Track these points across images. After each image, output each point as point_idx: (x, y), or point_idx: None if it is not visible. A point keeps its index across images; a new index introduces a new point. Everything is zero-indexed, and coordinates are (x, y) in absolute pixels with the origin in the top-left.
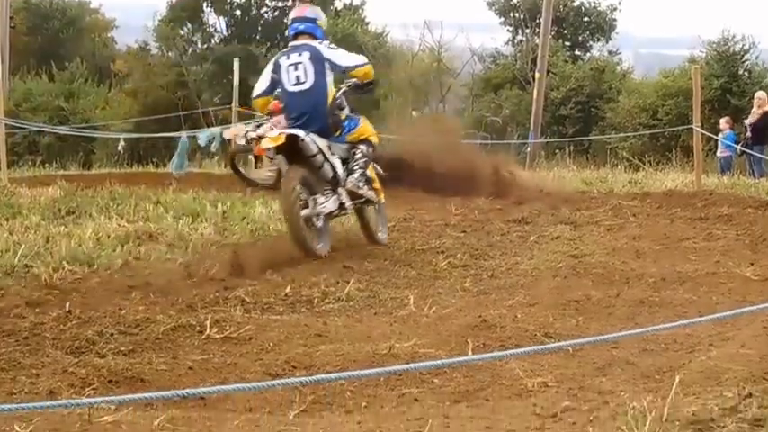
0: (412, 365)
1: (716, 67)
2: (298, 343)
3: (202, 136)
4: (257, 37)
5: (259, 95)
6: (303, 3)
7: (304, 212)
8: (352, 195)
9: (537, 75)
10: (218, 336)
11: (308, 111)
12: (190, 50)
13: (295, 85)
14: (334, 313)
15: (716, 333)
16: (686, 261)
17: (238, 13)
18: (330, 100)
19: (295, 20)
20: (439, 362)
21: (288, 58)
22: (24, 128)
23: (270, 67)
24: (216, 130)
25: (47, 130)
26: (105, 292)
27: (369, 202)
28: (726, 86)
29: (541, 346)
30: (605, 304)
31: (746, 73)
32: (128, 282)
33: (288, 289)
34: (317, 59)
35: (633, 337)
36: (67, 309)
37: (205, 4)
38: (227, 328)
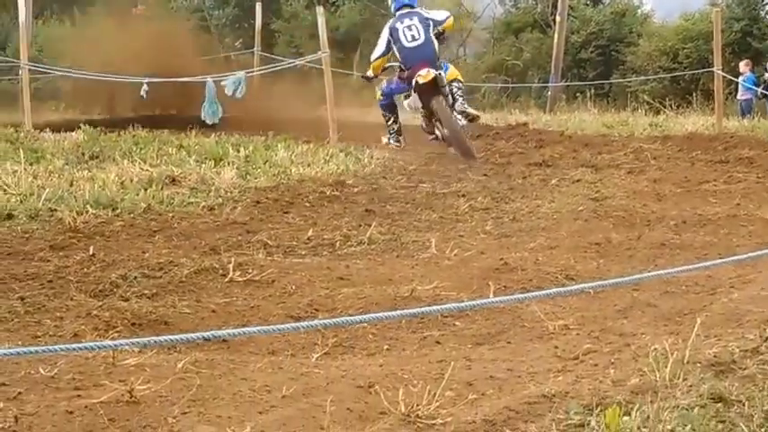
0: (434, 308)
1: (736, 10)
2: (320, 286)
3: (228, 82)
4: None
5: (379, 57)
6: None
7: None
8: (463, 115)
9: (557, 18)
10: (240, 279)
11: (425, 59)
12: None
13: (411, 41)
14: (356, 256)
15: (736, 275)
16: (707, 204)
17: None
18: (437, 49)
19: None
20: (460, 304)
21: (402, 22)
22: (48, 73)
23: (386, 33)
24: (241, 74)
25: (71, 75)
26: (129, 235)
27: (475, 118)
28: (746, 29)
29: (563, 289)
30: (626, 247)
31: (767, 16)
32: (151, 225)
33: (310, 232)
34: (424, 21)
35: (654, 280)
36: (91, 252)
37: None
38: (250, 271)
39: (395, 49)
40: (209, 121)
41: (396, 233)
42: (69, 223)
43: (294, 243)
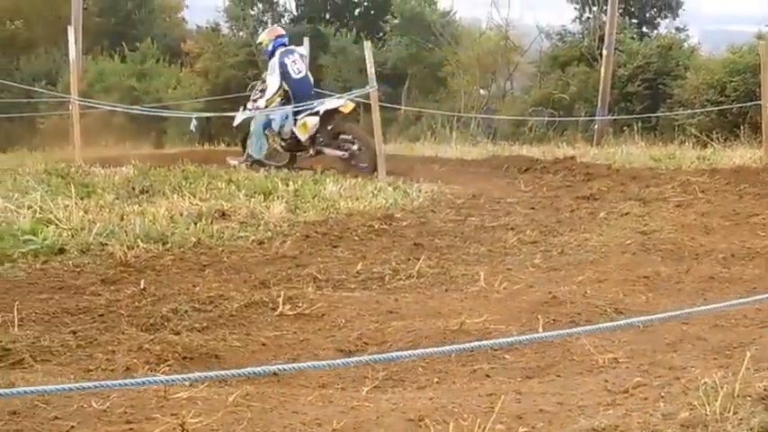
0: (483, 343)
1: None
2: (369, 320)
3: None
4: (326, 16)
5: (277, 90)
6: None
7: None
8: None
9: (604, 52)
10: (290, 312)
11: (309, 90)
12: (260, 29)
13: (298, 74)
14: (406, 290)
15: None
16: (755, 237)
17: None
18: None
19: (279, 36)
20: (510, 338)
21: (288, 57)
22: (98, 108)
23: (278, 67)
24: (288, 109)
25: (119, 109)
26: (179, 269)
27: None
28: None
29: (612, 323)
30: (675, 280)
31: None
32: (201, 259)
33: (359, 266)
34: (301, 56)
35: (703, 313)
36: (142, 286)
37: None
38: (300, 304)
39: (283, 82)
40: (255, 156)
41: (444, 267)
42: (120, 257)
43: (343, 277)
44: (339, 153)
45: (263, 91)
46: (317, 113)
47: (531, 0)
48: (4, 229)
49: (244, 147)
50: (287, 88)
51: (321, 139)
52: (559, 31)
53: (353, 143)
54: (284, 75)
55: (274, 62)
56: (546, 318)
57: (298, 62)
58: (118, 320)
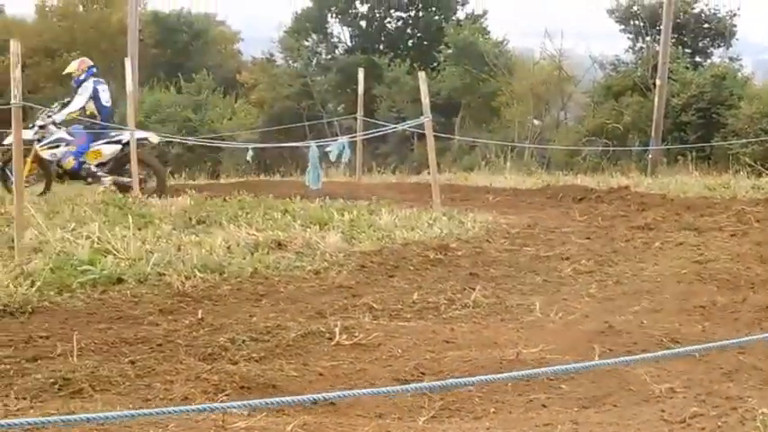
0: (540, 370)
1: None
2: (426, 349)
3: (333, 148)
4: (381, 47)
5: (78, 109)
6: (83, 57)
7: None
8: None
9: (658, 82)
10: (347, 342)
11: (111, 120)
12: (314, 61)
13: (107, 102)
14: (461, 320)
15: None
16: None
17: (363, 23)
18: None
19: (91, 66)
20: (566, 366)
21: (101, 86)
22: None
23: (90, 91)
24: (344, 139)
25: (175, 140)
26: (236, 299)
27: None
28: None
29: (668, 351)
30: (731, 310)
31: None
32: (258, 289)
33: (415, 296)
34: (107, 86)
35: (760, 342)
36: (200, 316)
37: (330, 15)
38: (356, 334)
39: (93, 105)
40: (313, 187)
41: (500, 296)
42: (178, 287)
43: (399, 306)
44: (125, 180)
45: (64, 105)
46: (117, 142)
47: (584, 30)
48: (63, 260)
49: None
50: (96, 112)
51: (110, 167)
52: (613, 61)
53: (146, 170)
54: (96, 99)
55: (87, 85)
56: (602, 347)
57: (107, 92)
58: (176, 350)
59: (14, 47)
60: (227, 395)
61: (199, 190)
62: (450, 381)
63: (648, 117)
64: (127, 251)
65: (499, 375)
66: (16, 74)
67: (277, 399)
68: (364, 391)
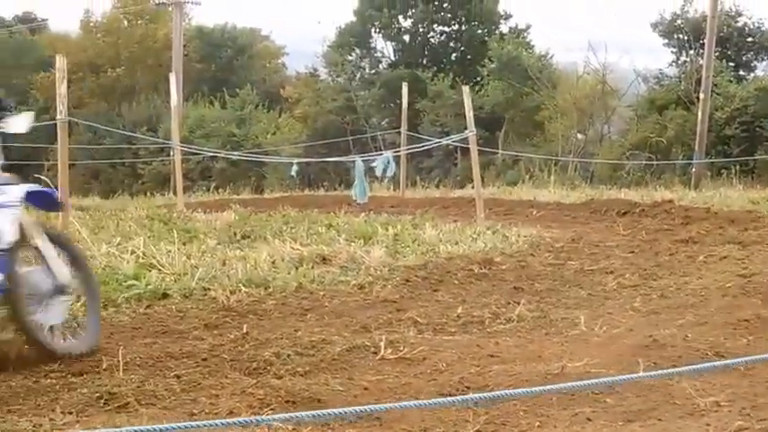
0: (585, 382)
1: None
2: (470, 363)
3: (378, 164)
4: (424, 61)
5: None
6: None
7: None
8: None
9: (701, 95)
10: (392, 356)
11: None
12: (358, 75)
13: None
14: (506, 334)
15: None
16: None
17: (406, 38)
18: None
19: None
20: (611, 379)
21: None
22: (198, 154)
23: None
24: (388, 154)
25: (220, 155)
26: (281, 314)
27: None
28: None
29: (713, 364)
30: None
31: None
32: (303, 304)
33: (459, 310)
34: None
35: None
36: (245, 331)
37: (373, 30)
38: (401, 348)
39: None
40: (359, 201)
41: (544, 310)
42: (223, 302)
43: (444, 320)
44: None
45: None
46: None
47: (627, 44)
48: (108, 274)
49: None
50: None
51: None
52: (656, 75)
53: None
54: None
55: None
56: (647, 361)
57: None
58: (221, 365)
59: (60, 62)
60: (272, 409)
61: (243, 204)
62: (496, 393)
63: (692, 131)
64: (172, 266)
65: (544, 388)
66: (62, 89)
67: (322, 411)
68: (409, 403)
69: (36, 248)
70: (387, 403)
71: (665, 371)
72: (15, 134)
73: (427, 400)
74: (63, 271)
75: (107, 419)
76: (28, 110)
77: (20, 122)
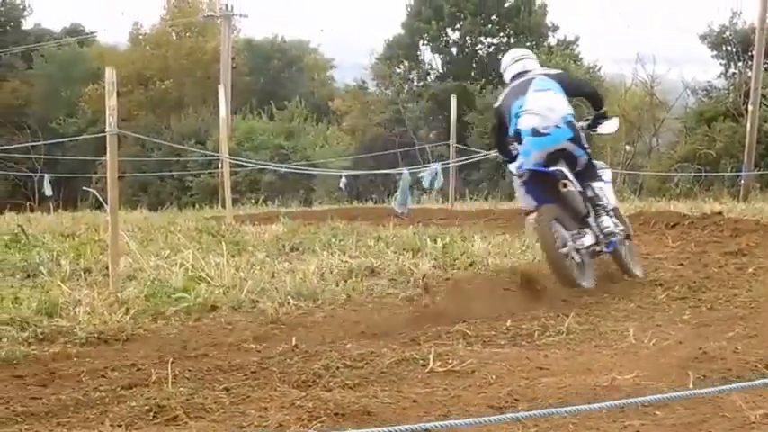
0: (635, 399)
1: None
2: (519, 376)
3: (426, 176)
4: (472, 74)
5: None
6: None
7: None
8: None
9: (750, 107)
10: (441, 369)
11: None
12: (406, 88)
13: None
14: (555, 346)
15: None
16: None
17: (454, 50)
18: None
19: None
20: (661, 395)
21: None
22: (247, 166)
23: None
24: (437, 166)
25: (269, 168)
26: (330, 326)
27: None
28: None
29: (764, 379)
30: None
31: None
32: (352, 316)
33: (508, 323)
34: None
35: None
36: (294, 343)
37: (421, 43)
38: (450, 361)
39: None
40: (398, 210)
41: (594, 323)
42: (271, 314)
43: (493, 333)
44: None
45: None
46: None
47: (676, 56)
48: (158, 287)
49: None
50: None
51: None
52: (705, 87)
53: None
54: None
55: None
56: (696, 374)
57: None
58: (270, 377)
59: (110, 75)
60: (321, 422)
61: (292, 217)
62: (545, 410)
63: (741, 143)
64: (221, 278)
65: (593, 405)
66: (111, 102)
67: (373, 429)
68: (458, 421)
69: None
70: (436, 416)
71: (716, 388)
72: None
73: (477, 418)
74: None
75: None
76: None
77: (610, 125)
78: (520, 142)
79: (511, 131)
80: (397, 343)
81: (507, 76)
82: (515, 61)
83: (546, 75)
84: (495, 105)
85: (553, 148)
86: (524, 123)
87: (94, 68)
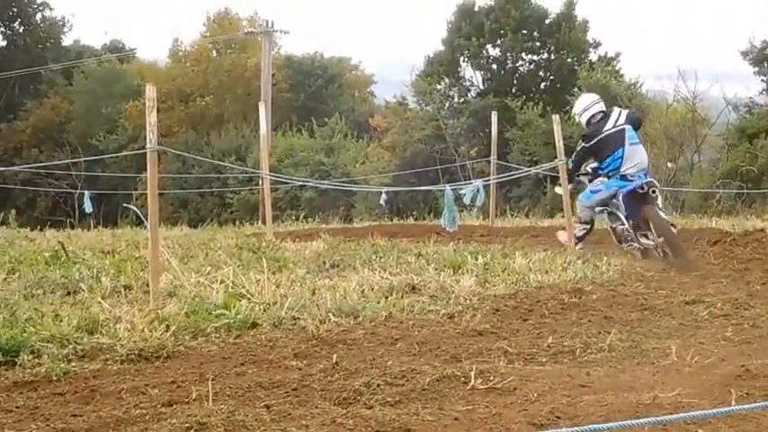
0: (677, 416)
1: None
2: (561, 393)
3: (467, 191)
4: (513, 90)
5: None
6: None
7: None
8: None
9: None
10: (482, 386)
11: None
12: (447, 104)
13: None
14: (597, 363)
15: None
16: None
17: (494, 67)
18: None
19: None
20: (704, 412)
21: None
22: (287, 183)
23: None
24: (478, 183)
25: (309, 184)
26: (371, 343)
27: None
28: None
29: None
30: None
31: None
32: (392, 333)
33: (550, 339)
34: None
35: None
36: (334, 360)
37: (462, 59)
38: (492, 378)
39: None
40: (449, 229)
41: (635, 340)
42: (312, 331)
43: (534, 350)
44: None
45: None
46: None
47: (718, 72)
48: (198, 304)
49: None
50: None
51: None
52: (747, 103)
53: None
54: None
55: None
56: (739, 391)
57: None
58: (311, 394)
59: (150, 91)
60: None
61: (332, 234)
62: (587, 427)
63: None
64: (261, 295)
65: (636, 422)
66: (152, 118)
67: None
68: None
69: None
70: None
71: (759, 404)
72: None
73: None
74: None
75: None
76: None
77: None
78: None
79: (602, 165)
80: (439, 360)
81: (587, 115)
82: (595, 103)
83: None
84: (594, 134)
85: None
86: (624, 168)
87: (134, 85)
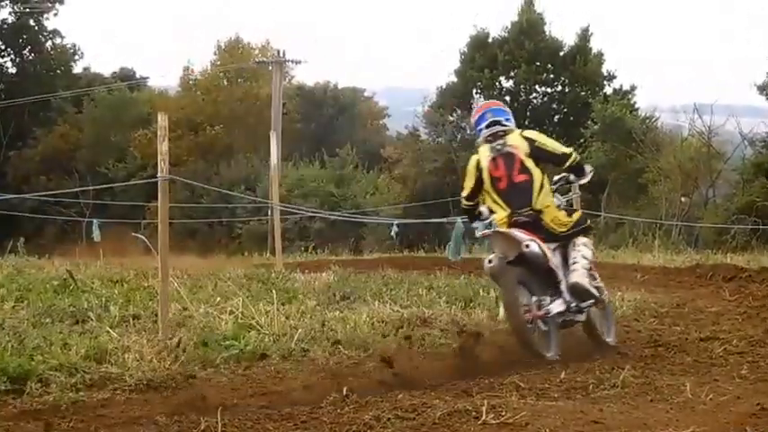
0: None
1: None
2: (574, 429)
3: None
4: (526, 122)
5: None
6: None
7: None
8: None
9: None
10: (493, 421)
11: None
12: (459, 136)
13: None
14: (610, 400)
15: None
16: None
17: (508, 98)
18: None
19: None
20: None
21: None
22: (297, 213)
23: None
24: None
25: (319, 215)
26: (381, 376)
27: None
28: None
29: None
30: None
31: None
32: (403, 366)
33: (562, 375)
34: None
35: None
36: (344, 393)
37: (474, 91)
38: (503, 413)
39: None
40: (451, 258)
41: (649, 377)
42: (322, 363)
43: (546, 385)
44: None
45: None
46: None
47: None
48: (207, 335)
49: None
50: None
51: None
52: (763, 138)
53: None
54: None
55: None
56: (754, 430)
57: None
58: (321, 427)
59: (162, 120)
60: None
61: (342, 265)
62: None
63: None
64: (271, 326)
65: None
66: (164, 148)
67: None
68: None
69: None
70: None
71: None
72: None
73: None
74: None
75: None
76: None
77: None
78: None
79: None
80: (450, 394)
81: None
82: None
83: None
84: None
85: None
86: None
87: (144, 113)
